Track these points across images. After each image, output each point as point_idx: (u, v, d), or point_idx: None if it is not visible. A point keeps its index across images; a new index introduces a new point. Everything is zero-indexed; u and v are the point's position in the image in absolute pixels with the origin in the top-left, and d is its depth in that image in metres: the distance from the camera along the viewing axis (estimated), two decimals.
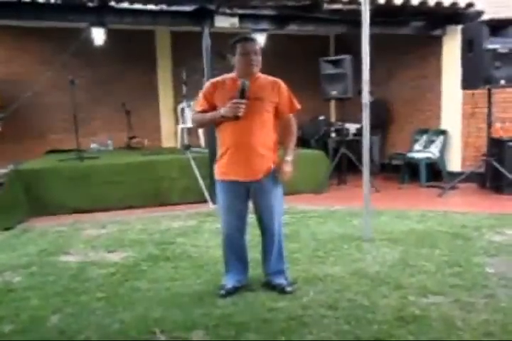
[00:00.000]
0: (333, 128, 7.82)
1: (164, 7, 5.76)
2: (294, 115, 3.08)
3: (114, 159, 6.35)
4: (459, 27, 6.39)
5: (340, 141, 7.17)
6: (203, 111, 2.92)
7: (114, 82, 8.10)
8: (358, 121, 7.42)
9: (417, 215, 4.98)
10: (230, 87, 2.86)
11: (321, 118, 8.46)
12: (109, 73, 8.07)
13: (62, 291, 3.14)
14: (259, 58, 2.88)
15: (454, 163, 7.18)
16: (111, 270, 3.52)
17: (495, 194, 6.18)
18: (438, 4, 6.24)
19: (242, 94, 2.73)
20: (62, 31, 7.11)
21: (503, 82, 5.66)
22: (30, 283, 3.29)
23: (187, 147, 6.36)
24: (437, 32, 7.10)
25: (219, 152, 2.98)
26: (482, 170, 6.39)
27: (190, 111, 6.72)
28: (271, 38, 6.62)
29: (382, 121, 7.98)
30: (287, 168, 2.95)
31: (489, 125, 6.15)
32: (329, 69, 6.93)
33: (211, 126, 3.54)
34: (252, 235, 3.28)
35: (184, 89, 7.32)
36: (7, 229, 4.89)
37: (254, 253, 3.23)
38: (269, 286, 3.06)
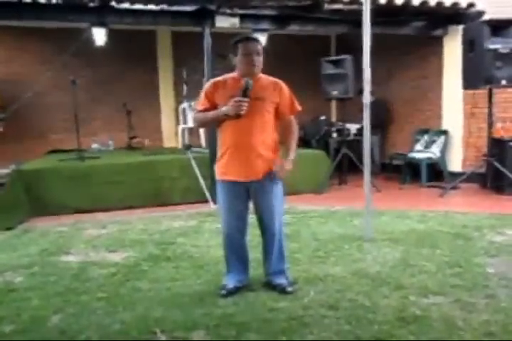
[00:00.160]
0: (334, 128, 7.82)
1: (165, 7, 5.76)
2: (295, 115, 3.08)
3: (115, 159, 6.35)
4: (460, 27, 6.39)
5: (341, 141, 7.17)
6: (205, 110, 2.92)
7: (114, 82, 8.11)
8: (358, 121, 7.46)
9: (417, 215, 4.98)
10: (231, 87, 2.86)
11: (322, 118, 8.46)
12: (110, 73, 8.07)
13: (63, 291, 3.14)
14: (261, 59, 2.88)
15: (455, 163, 7.17)
16: (112, 270, 3.52)
17: (496, 194, 6.18)
18: (439, 4, 6.24)
19: (245, 92, 2.73)
20: (62, 31, 7.12)
21: (504, 82, 5.66)
22: (31, 283, 3.30)
23: (188, 147, 6.36)
24: (438, 32, 7.09)
25: (219, 152, 2.98)
26: (483, 170, 6.38)
27: (191, 111, 6.72)
28: (271, 38, 6.62)
29: (381, 121, 7.98)
30: (288, 167, 2.95)
31: (490, 125, 6.15)
32: (330, 69, 6.93)
33: (212, 126, 3.54)
34: (253, 235, 3.28)
35: (185, 89, 7.33)
36: (8, 229, 4.89)
37: (255, 253, 3.23)
38: (270, 286, 3.06)
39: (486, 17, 6.30)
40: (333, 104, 9.51)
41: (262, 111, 2.87)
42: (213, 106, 2.90)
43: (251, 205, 3.03)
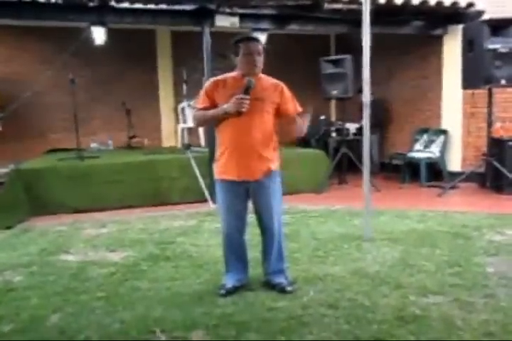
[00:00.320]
0: (333, 128, 7.82)
1: (164, 6, 5.75)
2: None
3: (115, 158, 6.35)
4: (460, 26, 6.39)
5: (341, 140, 7.17)
6: (204, 109, 2.92)
7: (114, 81, 8.10)
8: (357, 120, 7.47)
9: (417, 215, 4.98)
10: (231, 86, 2.87)
11: (322, 117, 8.46)
12: (110, 72, 8.06)
13: (62, 291, 3.14)
14: (262, 58, 2.88)
15: (455, 163, 7.17)
16: (111, 269, 3.52)
17: (495, 193, 6.18)
18: (438, 4, 6.23)
19: (247, 91, 2.74)
20: (62, 31, 7.10)
21: (503, 81, 5.66)
22: (30, 283, 3.30)
23: (187, 146, 6.36)
24: (438, 31, 7.09)
25: (218, 151, 2.99)
26: (482, 169, 6.39)
27: (191, 110, 6.72)
28: (271, 38, 6.62)
29: (379, 121, 7.97)
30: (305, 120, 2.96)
31: (489, 125, 6.15)
32: (330, 69, 6.93)
33: (211, 126, 3.54)
34: (252, 234, 3.28)
35: (184, 88, 7.33)
36: (7, 228, 4.89)
37: (254, 252, 3.23)
38: (269, 286, 3.06)
39: (485, 16, 6.30)
40: (333, 104, 9.50)
41: (262, 111, 2.88)
42: (213, 105, 2.89)
43: (250, 205, 3.03)
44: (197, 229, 4.68)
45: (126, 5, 5.63)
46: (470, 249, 3.81)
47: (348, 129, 7.56)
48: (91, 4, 5.60)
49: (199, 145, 7.06)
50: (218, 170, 2.97)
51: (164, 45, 8.45)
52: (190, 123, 6.92)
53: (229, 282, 3.03)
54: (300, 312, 2.70)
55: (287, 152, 6.20)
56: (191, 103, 6.73)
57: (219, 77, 2.96)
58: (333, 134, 7.72)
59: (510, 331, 2.44)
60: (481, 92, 6.31)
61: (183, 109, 7.48)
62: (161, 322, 2.62)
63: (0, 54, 7.67)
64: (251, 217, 3.08)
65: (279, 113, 2.96)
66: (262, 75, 2.95)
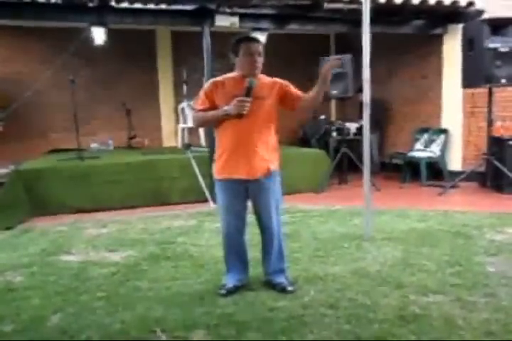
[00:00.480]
0: (333, 128, 7.82)
1: (164, 6, 5.75)
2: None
3: (115, 159, 6.35)
4: (460, 26, 6.39)
5: (341, 140, 7.17)
6: (204, 110, 2.92)
7: (114, 81, 8.10)
8: (356, 120, 7.46)
9: (417, 214, 4.98)
10: (231, 87, 2.86)
11: (322, 117, 8.46)
12: (110, 73, 8.06)
13: (63, 291, 3.14)
14: (262, 59, 2.88)
15: (455, 162, 7.17)
16: (112, 269, 3.52)
17: (495, 193, 6.18)
18: (438, 3, 6.23)
19: (248, 92, 2.73)
20: (62, 31, 7.10)
21: (503, 80, 5.65)
22: (31, 283, 3.30)
23: (187, 146, 6.36)
24: (438, 31, 7.09)
25: (218, 152, 2.98)
26: (483, 169, 6.38)
27: (191, 110, 6.72)
28: (271, 38, 6.61)
29: (379, 120, 7.97)
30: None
31: (490, 124, 6.15)
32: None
33: (211, 126, 3.53)
34: (253, 234, 3.27)
35: (185, 88, 7.33)
36: (8, 228, 4.89)
37: (254, 252, 3.23)
38: (270, 285, 3.06)
39: (485, 16, 6.30)
40: (333, 103, 9.50)
41: (263, 111, 2.87)
42: (213, 106, 2.89)
43: (250, 204, 3.02)
44: (197, 228, 4.68)
45: (126, 5, 5.63)
46: (471, 248, 3.81)
47: (348, 129, 7.56)
48: (91, 4, 5.60)
49: (199, 145, 7.06)
50: (218, 170, 2.97)
51: (164, 45, 8.45)
52: (191, 123, 6.92)
53: (229, 282, 3.03)
54: (301, 312, 2.70)
55: (287, 152, 6.22)
56: (191, 103, 6.73)
57: (218, 78, 2.96)
58: (334, 134, 7.72)
59: (511, 330, 2.43)
60: (481, 91, 6.31)
61: (183, 109, 7.47)
62: (162, 322, 2.62)
63: (0, 54, 7.68)
64: (251, 217, 3.07)
65: (288, 100, 2.95)
66: (261, 75, 2.95)
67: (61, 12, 5.59)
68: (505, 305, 2.72)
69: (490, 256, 3.60)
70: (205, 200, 5.78)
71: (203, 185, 5.82)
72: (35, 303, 2.94)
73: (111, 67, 8.04)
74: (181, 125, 7.62)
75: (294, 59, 8.52)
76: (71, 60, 6.84)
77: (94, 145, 7.71)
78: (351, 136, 7.60)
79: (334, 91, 6.85)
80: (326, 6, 5.95)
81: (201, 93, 2.97)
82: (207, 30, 5.87)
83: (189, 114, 7.01)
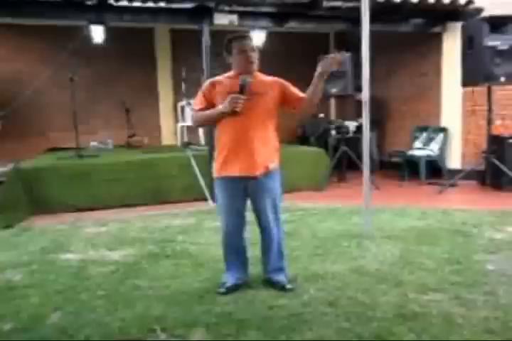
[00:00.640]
0: (333, 126, 7.82)
1: (163, 5, 5.75)
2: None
3: (114, 157, 6.35)
4: (459, 24, 6.37)
5: (341, 138, 7.17)
6: (202, 110, 2.92)
7: (113, 80, 8.09)
8: (356, 118, 7.46)
9: (417, 212, 4.98)
10: (227, 85, 2.86)
11: (321, 115, 8.46)
12: (109, 71, 8.05)
13: (62, 289, 3.14)
14: (256, 55, 2.88)
15: (454, 161, 7.18)
16: (111, 268, 3.53)
17: (495, 191, 6.19)
18: (438, 1, 6.22)
19: (242, 90, 2.73)
20: (61, 29, 7.10)
21: (503, 79, 5.64)
22: (30, 281, 3.30)
23: (187, 145, 6.36)
24: (437, 29, 7.09)
25: (217, 149, 2.98)
26: (482, 167, 6.38)
27: (190, 109, 6.72)
28: (270, 36, 6.62)
29: (377, 119, 7.96)
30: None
31: (489, 122, 6.15)
32: None
33: (210, 125, 3.53)
34: (252, 232, 3.27)
35: (183, 87, 7.32)
36: (7, 227, 4.89)
37: (254, 250, 3.23)
38: (270, 284, 3.06)
39: (484, 14, 6.30)
40: (332, 102, 9.49)
41: (261, 108, 2.87)
42: (211, 106, 2.89)
43: (249, 203, 3.02)
44: (197, 227, 4.68)
45: (125, 3, 5.62)
46: (470, 246, 3.82)
47: (347, 127, 7.56)
48: (89, 2, 5.59)
49: (199, 144, 7.05)
50: (217, 168, 2.97)
51: (163, 44, 8.44)
52: (190, 122, 6.91)
53: (229, 280, 3.03)
54: (300, 310, 2.70)
55: (287, 150, 6.20)
56: (190, 101, 6.73)
57: (216, 78, 2.97)
58: (333, 132, 7.72)
59: (510, 328, 2.44)
60: (481, 90, 6.30)
61: (182, 108, 7.47)
62: (162, 321, 2.62)
63: None
64: (251, 216, 3.07)
65: (289, 101, 2.94)
66: (259, 73, 2.95)
67: (60, 10, 5.58)
68: (505, 303, 2.72)
69: (489, 254, 3.60)
70: (205, 199, 5.78)
71: (203, 183, 5.82)
72: (34, 302, 2.94)
73: (110, 66, 8.03)
74: (180, 123, 7.62)
75: (293, 57, 8.50)
76: (70, 59, 6.82)
77: (93, 144, 7.69)
78: (351, 135, 7.60)
79: (333, 90, 6.85)
80: (325, 4, 5.94)
81: (199, 93, 2.98)
82: (206, 29, 5.87)
83: (188, 113, 7.00)
